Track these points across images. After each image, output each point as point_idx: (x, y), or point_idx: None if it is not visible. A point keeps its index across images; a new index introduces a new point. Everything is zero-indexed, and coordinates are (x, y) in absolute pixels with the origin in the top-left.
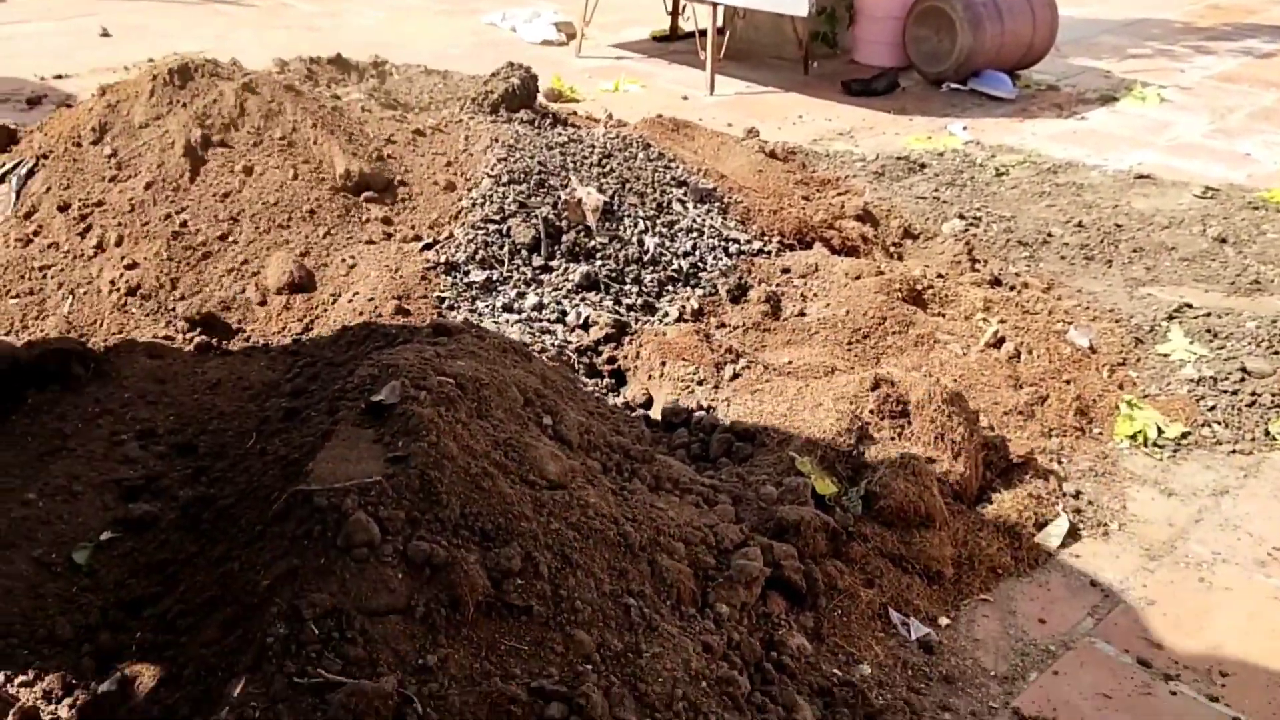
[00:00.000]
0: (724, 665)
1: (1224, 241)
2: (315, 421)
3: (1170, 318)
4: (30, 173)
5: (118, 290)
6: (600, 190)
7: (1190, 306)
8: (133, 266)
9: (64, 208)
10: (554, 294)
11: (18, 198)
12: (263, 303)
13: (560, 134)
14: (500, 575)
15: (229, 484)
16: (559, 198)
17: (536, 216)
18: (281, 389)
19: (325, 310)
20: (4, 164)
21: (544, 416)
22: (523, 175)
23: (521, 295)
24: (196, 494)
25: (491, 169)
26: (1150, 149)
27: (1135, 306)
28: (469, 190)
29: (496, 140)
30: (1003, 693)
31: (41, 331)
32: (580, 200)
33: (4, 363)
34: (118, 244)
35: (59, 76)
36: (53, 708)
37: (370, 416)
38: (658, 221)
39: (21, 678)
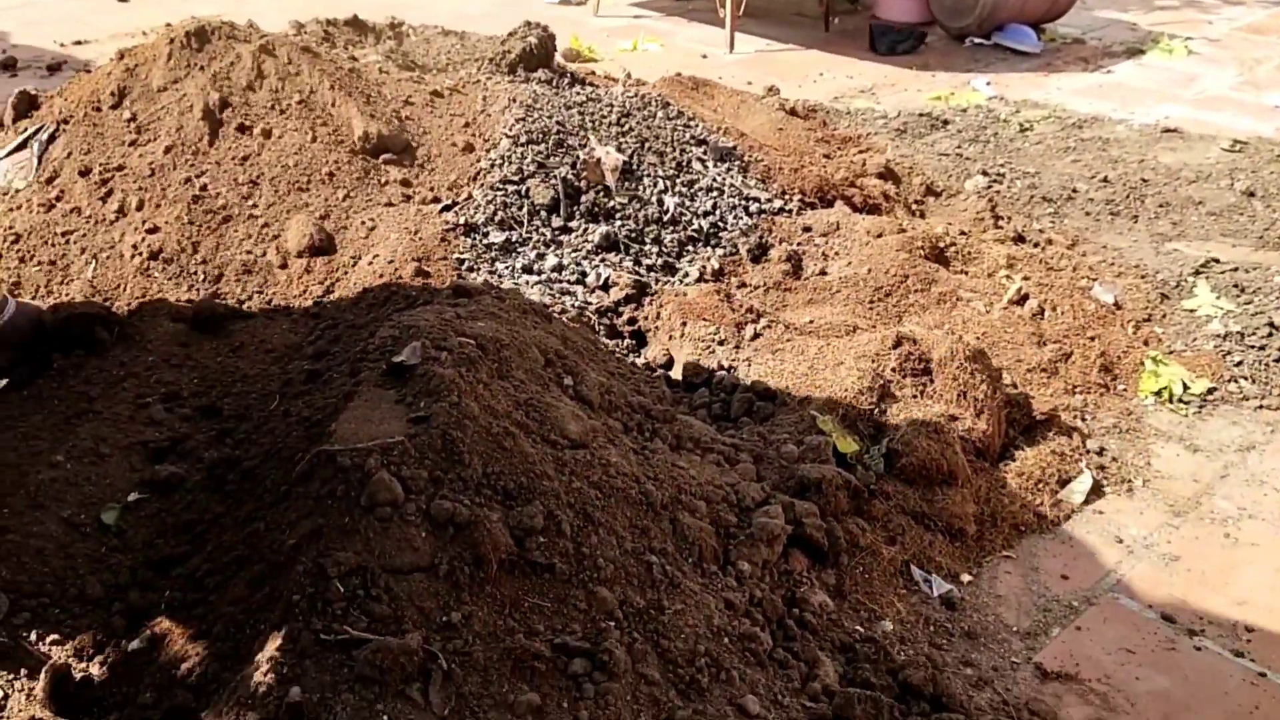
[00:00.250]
0: (746, 622)
1: (1252, 195)
2: (337, 383)
3: (1197, 273)
4: (51, 138)
5: (140, 254)
6: (619, 150)
7: (1217, 261)
8: (154, 231)
9: (85, 172)
10: (573, 255)
11: (39, 163)
12: (283, 266)
13: (578, 93)
14: (523, 533)
15: (253, 445)
16: (578, 158)
17: (555, 177)
18: (303, 351)
19: (345, 273)
20: (25, 129)
21: (565, 377)
22: (541, 135)
23: (541, 256)
24: (222, 455)
25: (510, 130)
26: (1177, 102)
27: (1161, 262)
28: (487, 151)
29: (514, 101)
30: (1025, 648)
31: (66, 296)
32: (599, 160)
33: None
34: (139, 208)
35: (78, 42)
36: (84, 665)
37: (392, 378)
38: (677, 181)
39: (53, 636)
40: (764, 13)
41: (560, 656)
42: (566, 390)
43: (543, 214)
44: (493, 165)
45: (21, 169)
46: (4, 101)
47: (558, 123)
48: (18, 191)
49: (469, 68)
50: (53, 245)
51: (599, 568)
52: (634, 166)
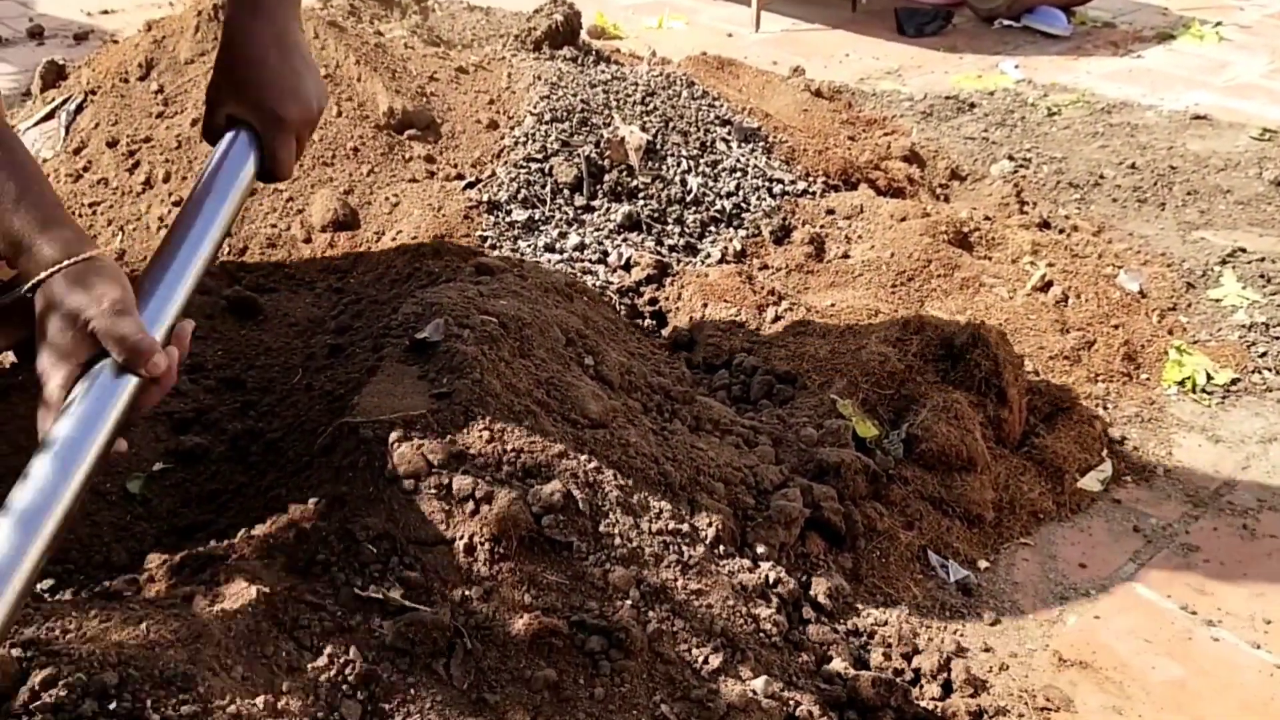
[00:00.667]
0: (762, 603)
1: None
2: (360, 358)
3: (1223, 262)
4: (79, 109)
5: (166, 226)
6: (643, 129)
7: (1244, 251)
8: (180, 203)
9: (112, 144)
10: (595, 234)
11: (67, 133)
12: (307, 240)
13: (603, 71)
14: (542, 511)
15: (276, 418)
16: (601, 136)
17: (579, 155)
18: (326, 326)
19: (369, 248)
20: (53, 99)
21: (585, 356)
22: (565, 113)
23: (563, 235)
24: (245, 427)
25: (534, 107)
26: (1207, 89)
27: (1187, 251)
28: (511, 129)
29: (539, 78)
30: (1042, 635)
31: None
32: (623, 139)
33: None
34: (165, 180)
35: (105, 12)
36: None
37: (414, 354)
38: (701, 161)
39: None
40: None
41: (578, 633)
42: (587, 370)
43: (565, 192)
44: (516, 143)
45: (49, 139)
46: (31, 69)
47: (582, 101)
48: (45, 161)
49: (494, 44)
50: (79, 216)
51: (616, 547)
52: (658, 146)
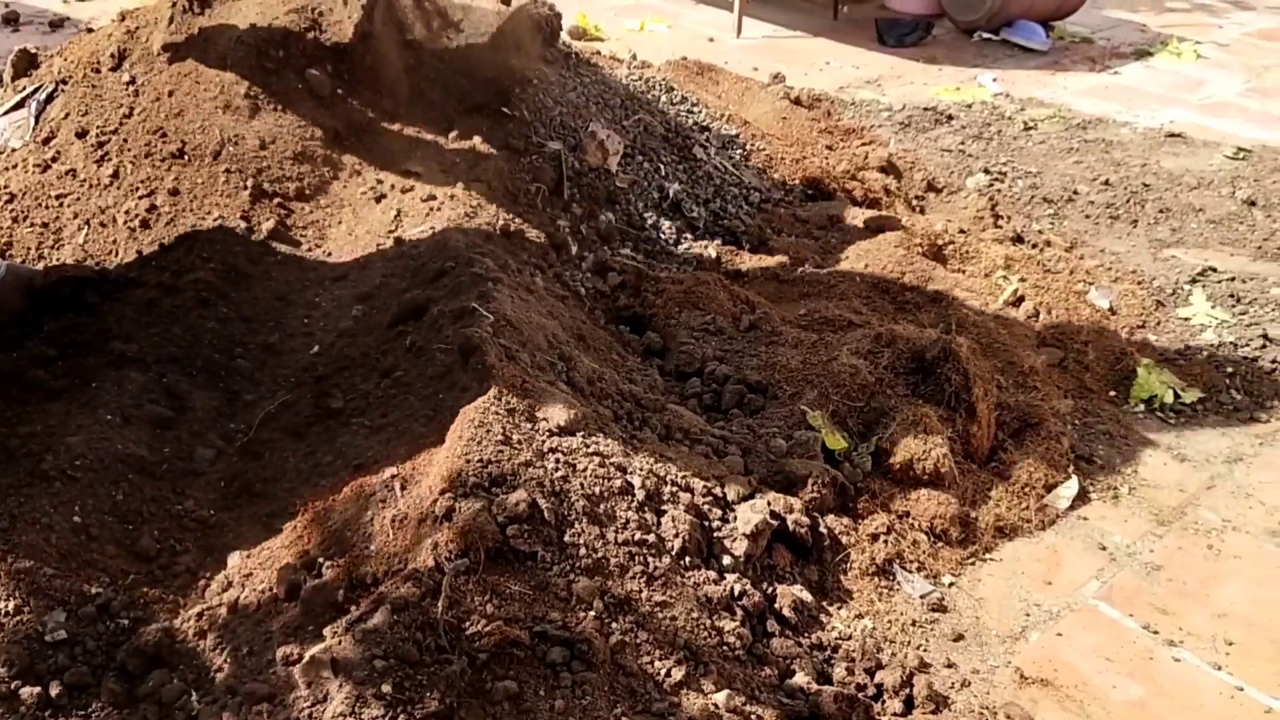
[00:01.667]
0: (726, 616)
1: (1253, 204)
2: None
3: (1193, 281)
4: (50, 98)
5: (134, 222)
6: (623, 133)
7: (1215, 270)
8: (147, 197)
9: (82, 134)
10: (574, 237)
11: (37, 122)
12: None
13: (584, 74)
14: (506, 521)
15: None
16: (579, 140)
17: (558, 158)
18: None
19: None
20: (24, 88)
21: (558, 363)
22: (544, 115)
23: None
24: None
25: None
26: (1183, 107)
27: (1158, 268)
28: None
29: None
30: (1005, 652)
31: (56, 259)
32: (601, 143)
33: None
34: (133, 172)
35: (81, 0)
36: None
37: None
38: (679, 167)
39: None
40: None
41: (540, 644)
42: (560, 375)
43: (545, 193)
44: None
45: (18, 128)
46: (4, 56)
47: (563, 103)
48: (13, 151)
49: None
50: (46, 207)
51: (581, 557)
52: (636, 151)
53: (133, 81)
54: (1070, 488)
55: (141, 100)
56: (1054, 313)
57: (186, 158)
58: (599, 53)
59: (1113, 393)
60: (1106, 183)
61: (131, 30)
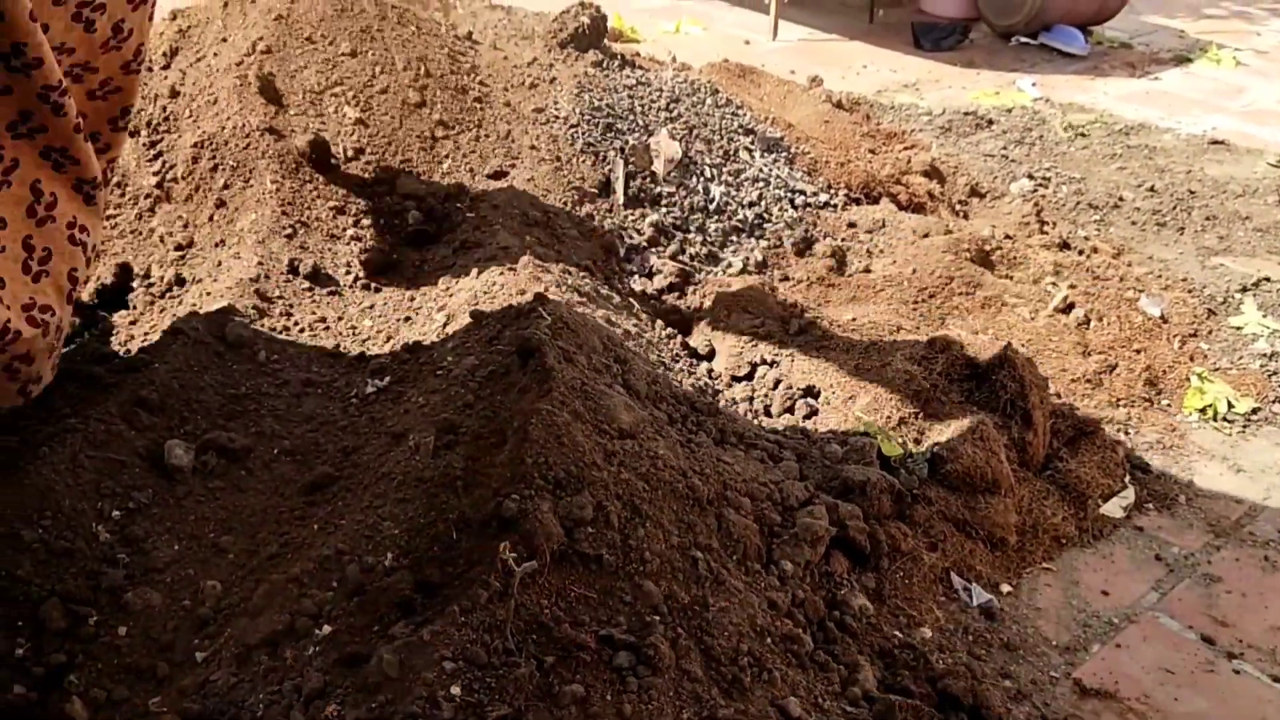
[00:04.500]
0: (788, 622)
1: None
2: None
3: (1244, 289)
4: None
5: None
6: (670, 136)
7: (1269, 280)
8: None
9: (133, 134)
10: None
11: None
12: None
13: (628, 76)
14: (572, 524)
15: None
16: (627, 142)
17: (606, 160)
18: None
19: None
20: None
21: (613, 365)
22: (591, 117)
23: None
24: None
25: (560, 110)
26: (1224, 114)
27: (1207, 276)
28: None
29: (567, 80)
30: (1064, 663)
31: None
32: (649, 146)
33: None
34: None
35: None
36: None
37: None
38: (724, 170)
39: None
40: (807, 1)
41: (605, 648)
42: (616, 378)
43: (593, 196)
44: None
45: None
46: None
47: (608, 105)
48: None
49: (519, 44)
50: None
51: (645, 561)
52: (682, 153)
53: (182, 80)
54: (1126, 497)
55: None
56: (1105, 320)
57: None
58: (637, 54)
59: (1166, 402)
60: (1152, 189)
61: (183, 30)
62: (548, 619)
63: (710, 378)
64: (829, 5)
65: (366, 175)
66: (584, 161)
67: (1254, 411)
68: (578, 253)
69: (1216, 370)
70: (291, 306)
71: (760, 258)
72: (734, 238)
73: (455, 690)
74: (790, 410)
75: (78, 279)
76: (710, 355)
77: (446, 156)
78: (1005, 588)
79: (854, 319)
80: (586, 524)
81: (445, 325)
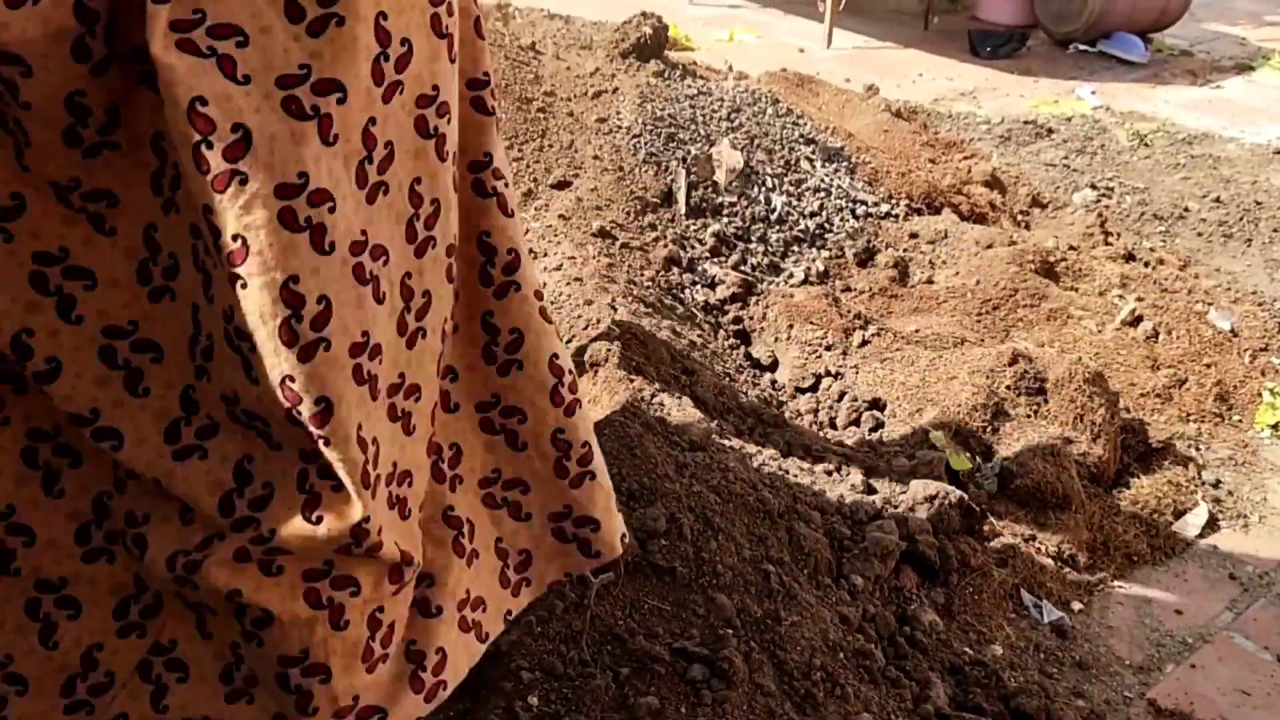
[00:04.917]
0: (859, 637)
1: None
2: None
3: None
4: None
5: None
6: (732, 146)
7: None
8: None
9: None
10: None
11: None
12: None
13: (689, 86)
14: (645, 536)
15: None
16: (689, 151)
17: (669, 170)
18: None
19: None
20: None
21: (681, 376)
22: (654, 127)
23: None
24: None
25: (623, 120)
26: None
27: (1277, 289)
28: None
29: (630, 90)
30: (1138, 683)
31: None
32: (710, 156)
33: None
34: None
35: None
36: None
37: None
38: (785, 180)
39: None
40: (862, 8)
41: (679, 661)
42: (684, 389)
43: (655, 206)
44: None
45: None
46: None
47: (669, 115)
48: None
49: (580, 54)
50: None
51: (718, 574)
52: (744, 163)
53: None
54: (1199, 515)
55: None
56: (1174, 334)
57: None
58: (695, 63)
59: (1237, 417)
60: (1217, 200)
61: None
62: (622, 630)
63: (774, 389)
64: (883, 13)
65: None
66: (646, 171)
67: None
68: (641, 262)
69: None
70: None
71: (822, 268)
72: (795, 248)
73: (533, 700)
74: (856, 423)
75: None
76: (773, 366)
77: (511, 166)
78: (1076, 605)
79: (917, 330)
80: (659, 536)
81: None
